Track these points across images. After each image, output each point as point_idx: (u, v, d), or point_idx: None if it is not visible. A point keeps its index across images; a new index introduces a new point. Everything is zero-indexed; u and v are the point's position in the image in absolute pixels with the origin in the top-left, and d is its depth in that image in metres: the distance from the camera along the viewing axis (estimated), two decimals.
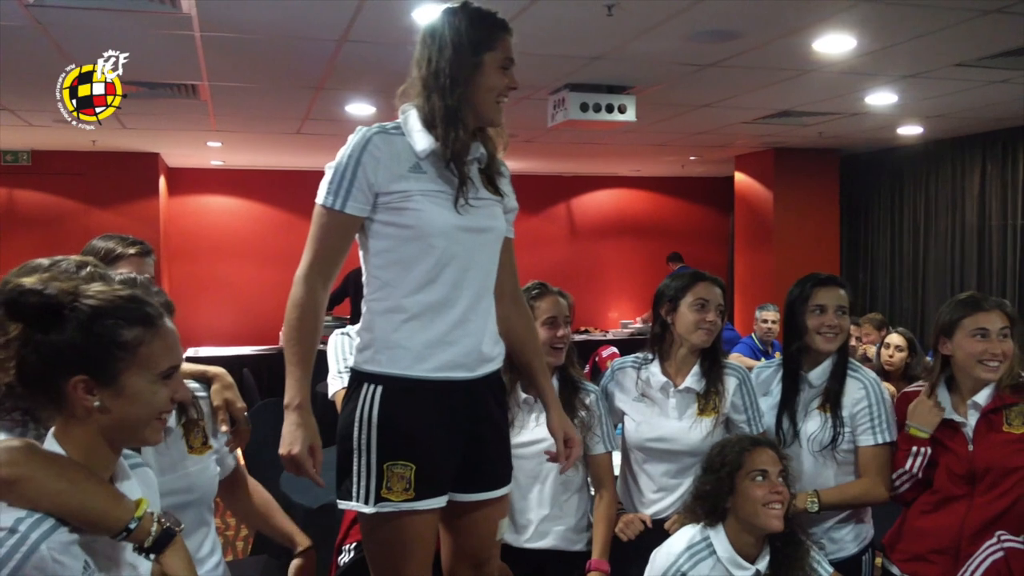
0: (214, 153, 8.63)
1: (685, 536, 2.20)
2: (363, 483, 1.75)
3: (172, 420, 1.68)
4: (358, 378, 1.80)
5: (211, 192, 9.80)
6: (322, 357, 2.24)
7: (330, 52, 4.48)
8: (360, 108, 6.14)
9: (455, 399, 1.79)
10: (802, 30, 4.11)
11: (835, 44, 4.33)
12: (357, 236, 1.82)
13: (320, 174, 1.79)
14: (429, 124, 1.79)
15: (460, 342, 1.78)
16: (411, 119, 1.81)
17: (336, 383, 2.22)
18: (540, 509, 2.39)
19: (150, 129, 7.12)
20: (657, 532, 2.35)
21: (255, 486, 2.04)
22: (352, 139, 1.78)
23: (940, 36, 4.17)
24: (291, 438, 1.71)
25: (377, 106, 6.06)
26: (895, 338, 4.56)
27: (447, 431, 1.78)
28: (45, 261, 1.50)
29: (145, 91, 5.41)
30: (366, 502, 1.75)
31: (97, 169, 8.42)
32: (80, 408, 1.24)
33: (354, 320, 2.26)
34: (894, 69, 4.96)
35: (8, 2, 3.55)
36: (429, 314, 1.76)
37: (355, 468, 1.76)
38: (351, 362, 2.09)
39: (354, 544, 2.21)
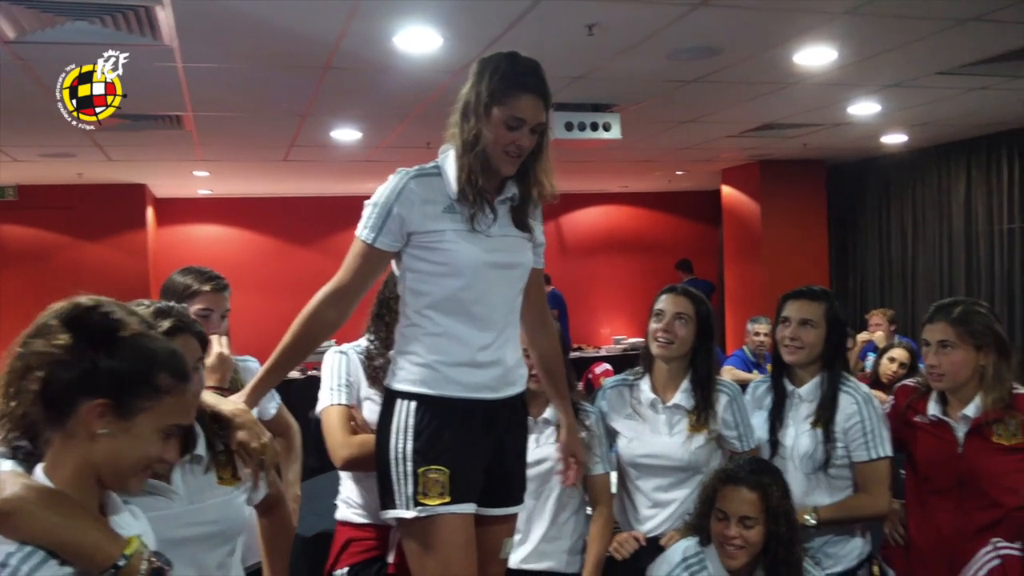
0: (201, 182, 8.63)
1: (680, 548, 2.20)
2: (402, 490, 1.85)
3: (202, 449, 1.67)
4: (393, 396, 1.91)
5: (199, 221, 9.78)
6: (314, 382, 2.21)
7: (314, 79, 4.50)
8: (346, 133, 6.15)
9: (480, 417, 1.90)
10: (783, 44, 4.15)
11: (816, 56, 4.36)
12: (396, 269, 1.96)
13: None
14: (458, 155, 1.88)
15: (487, 368, 1.90)
16: (449, 159, 1.91)
17: (327, 398, 2.18)
18: (539, 528, 2.39)
19: (135, 160, 7.12)
20: (651, 550, 2.34)
21: (283, 520, 1.98)
22: (391, 180, 1.90)
23: (920, 46, 4.21)
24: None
25: (363, 131, 6.07)
26: (900, 353, 4.56)
27: (474, 444, 1.89)
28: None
29: (129, 123, 5.41)
30: (406, 507, 1.84)
31: (84, 202, 8.41)
32: (84, 431, 1.24)
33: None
34: (876, 79, 5.01)
35: None
36: (459, 342, 1.88)
37: (393, 477, 1.86)
38: (344, 380, 2.19)
39: (345, 569, 2.20)
